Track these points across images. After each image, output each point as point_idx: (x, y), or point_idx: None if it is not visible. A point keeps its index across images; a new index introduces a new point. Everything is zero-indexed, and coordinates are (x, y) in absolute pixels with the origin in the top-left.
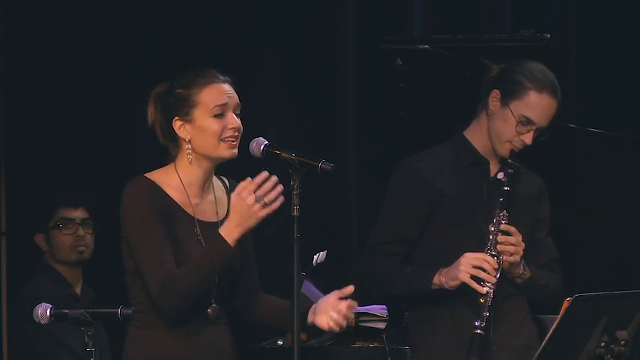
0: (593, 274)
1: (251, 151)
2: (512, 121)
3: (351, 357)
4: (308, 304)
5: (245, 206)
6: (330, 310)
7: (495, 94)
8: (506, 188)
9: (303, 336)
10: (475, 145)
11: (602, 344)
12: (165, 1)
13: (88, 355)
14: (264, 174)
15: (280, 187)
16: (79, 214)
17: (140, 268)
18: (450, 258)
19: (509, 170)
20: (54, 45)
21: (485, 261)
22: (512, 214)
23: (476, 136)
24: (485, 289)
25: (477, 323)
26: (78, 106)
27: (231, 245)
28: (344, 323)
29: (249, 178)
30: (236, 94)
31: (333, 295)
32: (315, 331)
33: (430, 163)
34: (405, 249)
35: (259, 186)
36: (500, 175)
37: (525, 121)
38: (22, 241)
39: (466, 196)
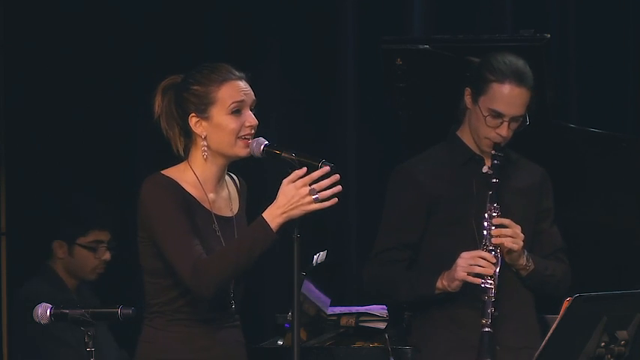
0: (593, 274)
1: (251, 151)
2: (481, 116)
3: (351, 357)
4: None
5: (296, 195)
6: None
7: (467, 92)
8: (494, 180)
9: (304, 336)
10: (468, 144)
11: (602, 344)
12: (165, 1)
13: (89, 355)
14: (326, 168)
15: (338, 188)
16: (107, 237)
17: (169, 257)
18: (454, 257)
19: (495, 162)
20: (54, 45)
21: (481, 257)
22: (512, 206)
23: (466, 134)
24: (478, 280)
25: (483, 321)
26: (78, 105)
27: (274, 231)
28: None
29: (305, 168)
30: (252, 91)
31: None
32: (315, 331)
33: (425, 166)
34: (408, 253)
35: (316, 180)
36: (486, 169)
37: (495, 114)
38: (22, 241)
39: (463, 195)
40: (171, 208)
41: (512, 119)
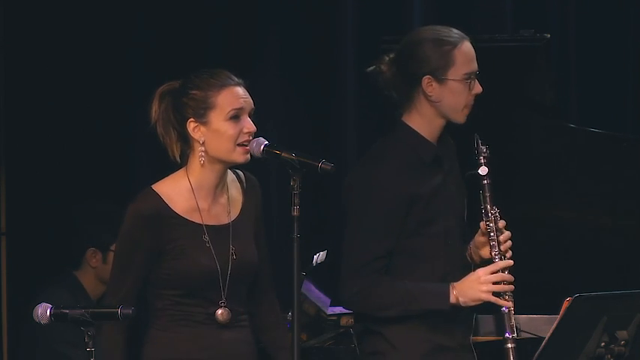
0: (593, 274)
1: (251, 151)
2: (461, 87)
3: (351, 357)
4: None
5: None
6: None
7: (427, 80)
8: (485, 182)
9: (304, 336)
10: (425, 135)
11: (602, 344)
12: (164, 2)
13: (89, 355)
14: None
15: None
16: None
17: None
18: (425, 256)
19: (483, 161)
20: (54, 45)
21: (503, 272)
22: (459, 191)
23: (423, 126)
24: (510, 303)
25: (507, 335)
26: (78, 105)
27: None
28: None
29: None
30: (250, 98)
31: None
32: (315, 331)
33: (397, 167)
34: (388, 259)
35: None
36: (484, 171)
37: (470, 76)
38: (22, 241)
39: (434, 193)
40: (129, 250)
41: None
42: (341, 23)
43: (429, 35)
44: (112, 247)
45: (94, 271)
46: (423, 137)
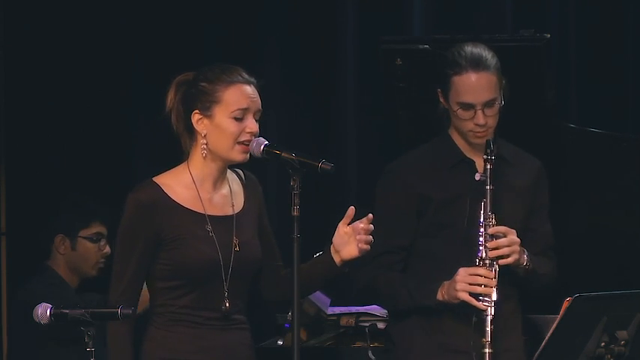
0: (593, 274)
1: (251, 151)
2: (456, 113)
3: (351, 357)
4: (325, 254)
5: None
6: (351, 237)
7: (439, 94)
8: (488, 187)
9: (303, 336)
10: (458, 144)
11: (602, 344)
12: (164, 0)
13: (89, 355)
14: None
15: None
16: (105, 230)
17: (112, 277)
18: (439, 260)
19: (489, 167)
20: (54, 45)
21: (480, 275)
22: (502, 204)
23: (458, 136)
24: (484, 305)
25: (484, 340)
26: (77, 105)
27: None
28: (370, 239)
29: None
30: (259, 99)
31: (342, 226)
32: (315, 331)
33: (414, 166)
34: (403, 255)
35: None
36: (478, 177)
37: (464, 106)
38: (22, 241)
39: (452, 198)
40: (130, 241)
41: (486, 105)
42: (341, 24)
43: (450, 52)
44: (81, 234)
45: (64, 258)
46: (454, 144)
